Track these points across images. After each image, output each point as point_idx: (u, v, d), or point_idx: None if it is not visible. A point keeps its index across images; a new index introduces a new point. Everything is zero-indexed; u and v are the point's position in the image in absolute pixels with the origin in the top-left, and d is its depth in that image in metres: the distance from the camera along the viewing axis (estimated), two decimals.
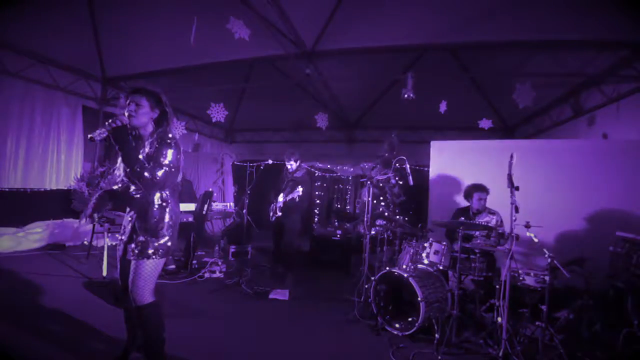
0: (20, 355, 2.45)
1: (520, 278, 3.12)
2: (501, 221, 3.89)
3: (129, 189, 2.20)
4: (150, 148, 2.12)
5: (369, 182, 4.28)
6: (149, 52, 6.09)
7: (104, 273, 4.14)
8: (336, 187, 10.04)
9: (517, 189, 2.83)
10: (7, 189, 5.72)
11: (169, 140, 2.12)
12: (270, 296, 4.10)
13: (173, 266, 4.82)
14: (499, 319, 2.87)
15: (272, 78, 7.25)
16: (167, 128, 2.19)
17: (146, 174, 2.02)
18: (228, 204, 6.93)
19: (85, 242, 5.78)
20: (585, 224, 4.30)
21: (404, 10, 4.87)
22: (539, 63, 5.42)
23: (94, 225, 5.11)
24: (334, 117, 8.08)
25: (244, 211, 4.84)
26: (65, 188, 6.42)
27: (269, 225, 5.29)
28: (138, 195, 2.16)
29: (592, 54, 4.91)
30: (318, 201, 9.86)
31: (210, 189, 5.97)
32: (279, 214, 4.94)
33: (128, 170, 2.05)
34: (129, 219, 2.21)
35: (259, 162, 5.06)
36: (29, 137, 6.01)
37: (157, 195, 2.15)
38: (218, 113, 6.49)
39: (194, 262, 4.89)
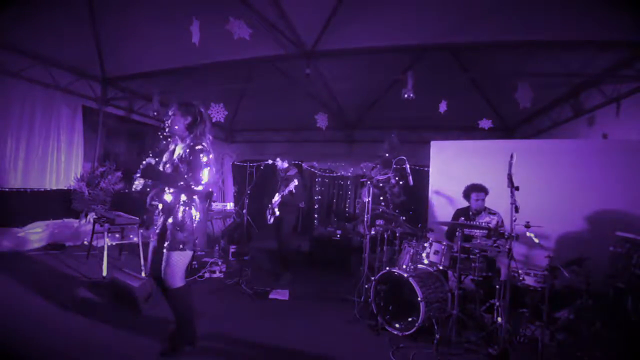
0: (20, 355, 2.45)
1: (520, 278, 3.12)
2: (502, 222, 3.90)
3: (163, 188, 2.50)
4: (183, 152, 2.44)
5: (369, 182, 4.29)
6: (149, 52, 6.08)
7: (104, 273, 4.14)
8: (336, 187, 10.04)
9: (517, 189, 2.84)
10: (7, 189, 5.72)
11: (200, 146, 2.43)
12: (270, 296, 4.10)
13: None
14: (499, 319, 2.87)
15: (272, 78, 7.25)
16: (197, 133, 2.50)
17: (183, 175, 2.38)
18: (228, 204, 6.93)
19: (85, 242, 5.78)
20: (585, 224, 4.30)
21: (404, 10, 4.87)
22: (539, 63, 5.42)
23: (94, 225, 5.11)
24: (334, 117, 8.08)
25: (244, 211, 4.85)
26: (65, 188, 6.42)
27: (268, 227, 5.31)
28: (171, 195, 2.47)
29: (592, 54, 4.90)
30: (318, 199, 9.87)
31: (210, 189, 5.96)
32: (277, 213, 4.96)
33: (164, 170, 2.43)
34: (161, 214, 2.51)
35: (259, 162, 5.07)
36: (29, 137, 6.01)
37: (188, 193, 2.46)
38: (218, 113, 6.48)
39: (194, 262, 4.89)
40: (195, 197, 2.49)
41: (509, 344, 2.71)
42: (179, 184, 2.39)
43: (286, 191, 4.83)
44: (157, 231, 2.50)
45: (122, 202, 6.42)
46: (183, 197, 2.46)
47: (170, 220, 2.44)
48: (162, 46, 5.88)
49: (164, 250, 2.42)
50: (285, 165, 5.20)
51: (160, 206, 2.53)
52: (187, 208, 2.46)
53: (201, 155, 2.40)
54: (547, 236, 3.86)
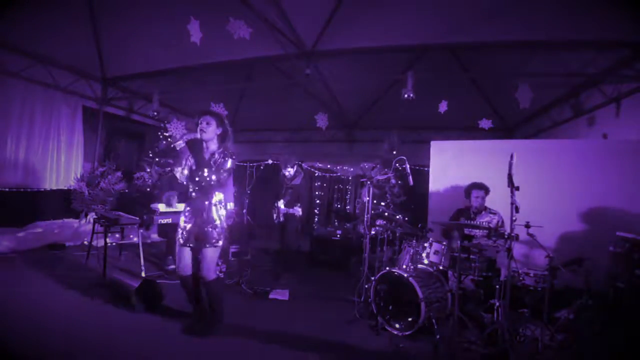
0: (20, 355, 2.45)
1: (520, 278, 3.12)
2: (502, 221, 3.90)
3: (189, 189, 2.85)
4: (217, 157, 2.78)
5: (369, 182, 4.28)
6: (149, 52, 6.08)
7: (104, 273, 4.14)
8: (336, 187, 10.04)
9: (517, 189, 2.83)
10: (7, 189, 5.72)
11: (230, 153, 2.82)
12: (270, 296, 4.10)
13: (173, 266, 4.81)
14: (499, 319, 2.87)
15: (272, 78, 7.25)
16: (228, 143, 2.87)
17: (213, 176, 2.70)
18: (228, 204, 6.92)
19: (85, 242, 5.78)
20: (585, 224, 4.30)
21: (404, 10, 4.87)
22: (539, 63, 5.42)
23: (94, 225, 5.11)
24: (334, 117, 8.08)
25: (244, 211, 4.85)
26: (65, 188, 6.42)
27: (271, 225, 5.33)
28: (202, 195, 2.81)
29: (592, 54, 4.90)
30: (318, 201, 9.86)
31: None
32: (282, 219, 5.01)
33: (198, 173, 2.71)
34: (192, 212, 2.84)
35: (259, 162, 5.08)
36: (29, 137, 6.01)
37: (217, 194, 2.85)
38: None
39: None
40: (225, 197, 2.91)
41: (509, 344, 2.71)
42: (212, 183, 2.72)
43: (289, 211, 4.97)
44: (188, 228, 2.83)
45: (123, 203, 6.42)
46: (215, 198, 2.82)
47: (202, 219, 2.78)
48: (162, 46, 5.89)
49: (198, 247, 2.79)
50: (293, 172, 5.12)
51: (197, 203, 2.85)
52: (218, 207, 2.84)
53: (230, 161, 2.78)
54: (547, 236, 3.84)
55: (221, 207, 2.88)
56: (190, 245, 2.83)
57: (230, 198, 3.01)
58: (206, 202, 2.81)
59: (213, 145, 2.85)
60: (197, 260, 2.86)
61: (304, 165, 9.48)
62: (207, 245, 2.77)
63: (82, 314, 3.17)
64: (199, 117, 2.83)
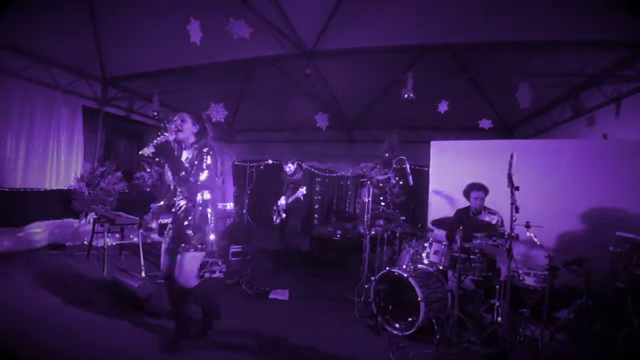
0: (20, 355, 2.45)
1: (520, 278, 3.12)
2: (502, 221, 3.89)
3: (176, 191, 2.68)
4: (192, 155, 2.57)
5: (369, 182, 4.28)
6: (149, 52, 6.08)
7: (104, 273, 4.14)
8: (336, 187, 10.04)
9: (517, 189, 2.83)
10: (7, 189, 5.72)
11: (207, 149, 2.56)
12: (270, 296, 4.10)
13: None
14: (499, 319, 2.87)
15: (272, 78, 7.25)
16: (206, 140, 2.66)
17: (191, 178, 2.49)
18: (228, 204, 6.93)
19: (85, 242, 5.77)
20: (585, 224, 4.29)
21: (404, 10, 4.87)
22: (539, 63, 5.42)
23: (94, 225, 5.11)
24: (334, 117, 8.08)
25: (244, 211, 4.85)
26: (65, 188, 6.42)
27: (271, 226, 5.37)
28: (183, 197, 2.63)
29: (592, 54, 4.90)
30: (318, 199, 9.86)
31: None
32: (283, 215, 5.03)
33: (174, 176, 2.54)
34: (175, 217, 2.64)
35: (259, 162, 5.10)
36: (29, 137, 6.01)
37: (199, 195, 2.61)
38: (218, 113, 6.49)
39: None
40: (209, 199, 2.65)
41: (509, 344, 2.71)
42: (187, 180, 2.51)
43: (293, 198, 4.95)
44: (171, 233, 2.64)
45: (123, 203, 6.42)
46: (198, 199, 2.61)
47: (185, 222, 2.58)
48: (162, 46, 5.88)
49: (179, 252, 2.54)
50: (293, 169, 5.35)
51: (181, 204, 2.67)
52: (201, 209, 2.61)
53: (206, 157, 2.53)
54: (547, 236, 3.85)
55: (207, 208, 2.65)
56: (171, 247, 2.63)
57: (219, 197, 2.80)
58: (189, 204, 2.61)
59: (189, 144, 2.67)
60: (176, 265, 2.59)
61: (304, 165, 9.49)
62: (188, 250, 2.54)
63: (82, 314, 3.17)
64: (173, 115, 2.69)
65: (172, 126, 2.60)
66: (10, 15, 4.88)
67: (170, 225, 2.68)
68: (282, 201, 5.12)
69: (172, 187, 2.73)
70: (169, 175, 2.67)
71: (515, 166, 2.91)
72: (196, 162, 2.52)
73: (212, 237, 2.67)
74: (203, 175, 2.50)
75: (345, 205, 9.87)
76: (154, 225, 4.75)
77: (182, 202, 2.63)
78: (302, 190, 5.03)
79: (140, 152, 2.46)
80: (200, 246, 2.57)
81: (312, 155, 9.55)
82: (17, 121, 5.83)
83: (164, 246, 2.70)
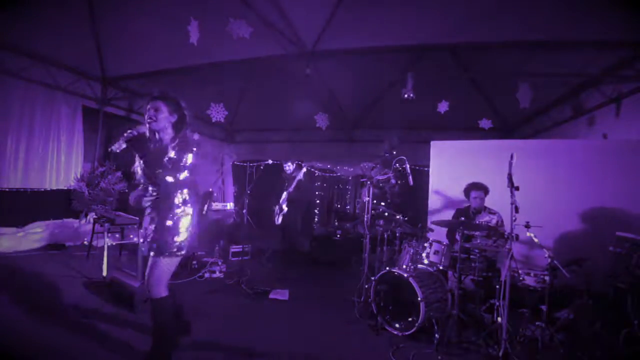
0: (20, 355, 2.45)
1: (520, 278, 3.12)
2: (501, 221, 3.90)
3: (148, 191, 2.34)
4: (173, 152, 2.24)
5: (369, 182, 4.28)
6: (149, 52, 6.08)
7: (104, 273, 4.14)
8: (336, 187, 10.04)
9: (517, 189, 2.84)
10: (7, 189, 5.72)
11: (188, 144, 2.28)
12: (270, 296, 4.10)
13: (174, 268, 4.81)
14: (499, 319, 2.87)
15: (272, 78, 7.25)
16: (186, 132, 2.34)
17: (169, 177, 2.21)
18: (228, 204, 6.93)
19: (85, 242, 5.77)
20: (585, 224, 4.29)
21: (404, 10, 4.87)
22: (539, 63, 5.42)
23: (94, 225, 5.11)
24: (334, 117, 8.08)
25: (244, 211, 4.86)
26: (65, 188, 6.42)
27: (272, 226, 5.42)
28: (157, 197, 2.30)
29: (592, 54, 4.90)
30: (318, 201, 9.87)
31: (210, 189, 5.97)
32: (285, 209, 5.09)
33: (149, 173, 2.25)
34: (150, 219, 2.33)
35: (259, 162, 5.13)
36: (29, 137, 6.00)
37: (178, 195, 2.30)
38: (218, 113, 6.48)
39: (194, 262, 4.88)
40: (188, 199, 2.34)
41: (509, 344, 2.71)
42: (163, 179, 2.23)
43: (293, 185, 5.13)
44: (148, 237, 2.31)
45: (123, 203, 6.42)
46: (176, 199, 2.29)
47: (161, 223, 2.26)
48: (162, 46, 5.88)
49: (151, 256, 2.26)
50: (293, 168, 5.56)
51: (155, 205, 2.35)
52: (178, 210, 2.30)
53: (186, 154, 2.26)
54: (547, 236, 3.85)
55: (185, 209, 2.33)
56: (145, 252, 2.34)
57: (193, 199, 2.40)
58: (164, 205, 2.28)
59: (167, 137, 2.32)
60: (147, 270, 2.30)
61: (304, 165, 9.50)
62: (161, 255, 2.24)
63: (82, 314, 3.17)
64: (147, 103, 2.32)
65: (146, 116, 2.27)
66: (10, 15, 4.88)
67: (145, 229, 2.34)
68: (284, 196, 5.23)
69: (142, 182, 2.36)
70: (139, 172, 2.33)
71: (515, 166, 2.91)
72: (176, 160, 2.22)
73: (187, 241, 2.32)
74: (182, 174, 2.24)
75: (345, 205, 9.88)
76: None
77: (157, 204, 2.31)
78: (300, 174, 5.25)
79: (109, 149, 2.16)
80: (176, 250, 2.27)
81: (312, 155, 9.55)
82: (17, 121, 5.83)
83: (140, 252, 2.47)
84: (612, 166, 4.30)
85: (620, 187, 4.22)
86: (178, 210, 2.29)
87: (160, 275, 2.27)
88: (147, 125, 2.25)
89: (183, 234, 2.29)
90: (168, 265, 2.28)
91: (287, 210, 5.32)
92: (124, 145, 2.15)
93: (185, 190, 2.33)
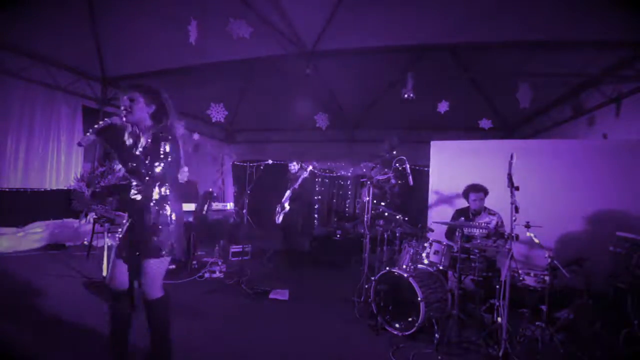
0: (20, 355, 2.45)
1: (520, 278, 3.12)
2: (501, 222, 3.90)
3: (130, 186, 2.16)
4: (146, 143, 2.07)
5: (369, 182, 4.28)
6: (149, 52, 6.08)
7: (104, 273, 4.14)
8: (336, 187, 10.04)
9: (517, 189, 2.83)
10: (7, 189, 5.72)
11: (165, 134, 2.08)
12: (270, 296, 4.10)
13: (173, 266, 4.81)
14: (499, 319, 2.87)
15: (272, 78, 7.25)
16: (166, 123, 2.16)
17: (142, 170, 2.02)
18: (228, 204, 6.93)
19: (85, 242, 5.78)
20: (585, 224, 4.29)
21: (404, 10, 4.87)
22: (539, 63, 5.42)
23: (94, 225, 5.11)
24: (334, 117, 8.08)
25: (244, 211, 4.86)
26: (65, 188, 6.42)
27: (272, 226, 5.44)
28: (138, 193, 2.12)
29: (592, 54, 4.90)
30: (318, 199, 9.87)
31: (210, 189, 5.98)
32: (287, 207, 5.11)
33: (125, 168, 2.05)
34: (128, 217, 2.17)
35: (259, 162, 5.12)
36: (29, 137, 6.01)
37: (156, 191, 2.11)
38: (218, 113, 6.49)
39: (194, 262, 4.89)
40: (168, 195, 2.15)
41: (509, 344, 2.71)
42: (139, 173, 2.05)
43: (298, 182, 5.21)
44: (122, 236, 2.15)
45: (123, 202, 6.41)
46: (155, 195, 2.10)
47: (143, 222, 2.09)
48: (162, 46, 5.88)
49: (139, 259, 2.10)
50: (297, 168, 5.66)
51: (136, 201, 2.15)
52: (159, 208, 2.11)
53: (163, 144, 2.06)
54: (547, 236, 3.85)
55: (166, 205, 2.14)
56: (125, 256, 2.15)
57: (174, 195, 2.19)
58: (145, 202, 2.09)
59: (144, 129, 2.13)
60: (134, 273, 2.16)
61: (309, 165, 9.51)
62: (148, 257, 2.09)
63: (82, 314, 3.17)
64: (122, 94, 2.14)
65: (121, 107, 2.09)
66: (10, 15, 4.88)
67: (124, 227, 2.17)
68: (286, 196, 5.29)
69: (124, 176, 2.18)
70: (118, 167, 2.13)
71: (515, 166, 2.91)
72: (151, 151, 2.04)
73: (172, 239, 2.15)
74: (159, 167, 2.04)
75: (345, 205, 9.87)
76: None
77: (137, 199, 2.11)
78: (305, 172, 5.31)
79: (77, 143, 1.99)
80: (161, 251, 2.11)
81: (312, 155, 9.54)
82: (17, 121, 5.83)
83: (114, 252, 2.20)
84: (612, 166, 4.30)
85: (620, 187, 4.22)
86: (157, 207, 2.10)
87: (153, 277, 2.15)
88: (123, 117, 2.07)
89: (164, 233, 2.11)
90: (157, 267, 2.14)
91: (289, 209, 5.34)
92: (93, 138, 1.96)
93: (166, 185, 2.14)
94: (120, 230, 2.19)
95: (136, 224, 2.11)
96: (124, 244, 2.15)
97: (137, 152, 2.06)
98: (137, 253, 2.09)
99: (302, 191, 5.39)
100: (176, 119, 2.24)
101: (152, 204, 2.10)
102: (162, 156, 2.05)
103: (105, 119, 2.00)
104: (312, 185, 5.99)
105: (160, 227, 2.11)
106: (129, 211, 2.17)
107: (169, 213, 2.15)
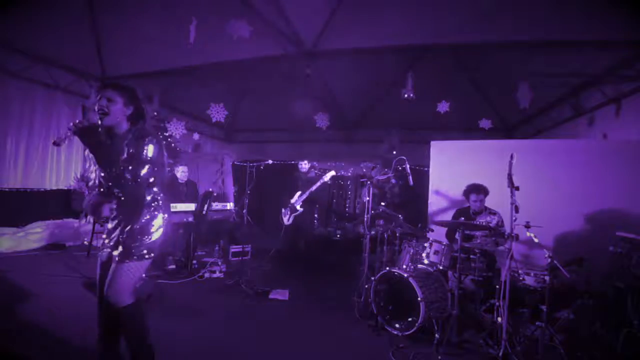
0: (20, 355, 2.45)
1: (520, 278, 3.12)
2: (502, 221, 3.89)
3: (109, 191, 2.05)
4: (130, 147, 1.97)
5: (369, 182, 4.28)
6: (149, 52, 6.08)
7: None
8: (336, 187, 10.04)
9: (517, 189, 2.83)
10: (7, 189, 5.72)
11: (147, 136, 1.99)
12: (270, 296, 4.09)
13: (173, 266, 4.81)
14: (499, 319, 2.87)
15: (272, 78, 7.25)
16: (143, 125, 2.08)
17: (127, 175, 1.95)
18: (228, 204, 6.93)
19: (85, 242, 5.77)
20: (585, 224, 4.29)
21: (404, 10, 4.87)
22: (539, 63, 5.42)
23: (94, 225, 5.11)
24: (334, 117, 8.08)
25: (244, 211, 4.86)
26: (65, 188, 6.42)
27: (272, 227, 5.39)
28: (121, 197, 2.03)
29: (592, 54, 4.91)
30: (318, 199, 9.87)
31: (210, 189, 5.97)
32: (300, 210, 5.18)
33: (105, 173, 1.98)
34: (113, 222, 2.10)
35: (259, 162, 5.11)
36: (29, 137, 6.01)
37: (142, 194, 2.03)
38: (218, 113, 6.49)
39: (194, 262, 4.89)
40: (156, 197, 2.10)
41: (509, 344, 2.71)
42: (122, 177, 1.99)
43: (317, 186, 5.15)
44: (111, 242, 2.08)
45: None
46: (141, 199, 2.04)
47: (126, 226, 2.03)
48: (162, 46, 5.88)
49: (114, 261, 2.00)
50: (308, 167, 5.65)
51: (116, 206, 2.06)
52: (146, 210, 2.05)
53: (146, 146, 1.97)
54: (547, 236, 3.85)
55: (151, 209, 2.07)
56: (105, 256, 2.11)
57: (163, 196, 2.14)
58: (128, 208, 2.04)
59: (122, 132, 2.03)
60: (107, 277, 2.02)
61: (315, 164, 9.53)
62: (125, 260, 1.98)
63: (82, 315, 3.17)
64: (97, 92, 2.01)
65: (96, 108, 1.95)
66: (10, 15, 4.88)
67: (109, 232, 2.12)
68: (296, 197, 5.26)
69: (97, 183, 2.11)
70: (94, 170, 2.08)
71: (515, 166, 2.91)
72: (134, 155, 1.95)
73: (156, 243, 2.08)
74: (143, 170, 1.95)
75: (345, 205, 9.87)
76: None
77: (117, 204, 2.03)
78: (331, 173, 5.16)
79: (53, 142, 1.88)
80: (145, 254, 2.03)
81: (312, 156, 9.53)
82: (17, 121, 5.83)
83: (100, 257, 2.13)
84: (612, 166, 4.30)
85: (620, 187, 4.21)
86: (144, 211, 2.04)
87: (126, 281, 1.99)
88: (99, 119, 1.94)
89: (155, 235, 2.06)
90: (135, 269, 2.01)
91: (302, 211, 5.31)
92: (70, 136, 1.88)
93: (154, 189, 2.08)
94: (107, 235, 2.13)
95: (122, 229, 2.04)
96: (105, 246, 2.10)
97: (122, 158, 1.96)
98: (118, 256, 1.99)
99: (318, 195, 5.38)
100: (174, 123, 2.15)
101: (139, 207, 2.03)
102: (145, 159, 1.96)
103: (85, 118, 1.92)
104: (330, 189, 5.94)
105: (149, 229, 2.05)
106: (116, 216, 2.08)
107: (153, 216, 2.08)
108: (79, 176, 6.41)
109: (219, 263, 4.85)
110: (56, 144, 1.88)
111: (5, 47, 5.46)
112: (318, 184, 5.21)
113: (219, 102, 6.42)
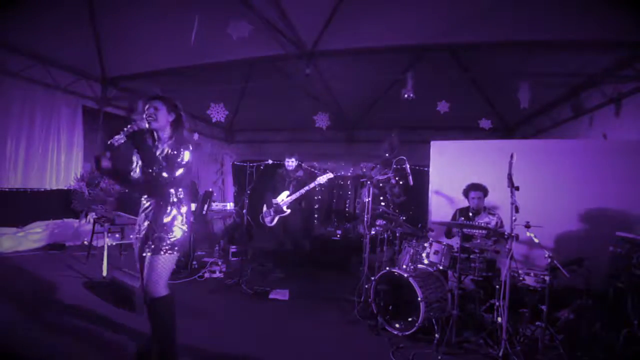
0: (20, 354, 2.45)
1: (520, 278, 3.12)
2: (501, 222, 3.90)
3: (146, 187, 2.35)
4: (169, 149, 2.29)
5: (369, 182, 4.29)
6: (149, 52, 6.08)
7: (104, 273, 4.14)
8: (336, 187, 10.03)
9: (517, 189, 2.84)
10: (7, 189, 5.72)
11: (185, 143, 2.32)
12: (270, 296, 4.10)
13: (173, 266, 4.81)
14: (499, 319, 2.87)
15: (272, 78, 7.25)
16: (183, 131, 2.39)
17: (165, 173, 2.25)
18: (228, 204, 6.93)
19: (85, 242, 5.77)
20: (585, 224, 4.29)
21: (404, 10, 4.87)
22: (539, 63, 5.42)
23: (94, 225, 5.11)
24: (334, 117, 8.08)
25: (244, 211, 4.86)
26: (65, 188, 6.41)
27: (272, 227, 5.34)
28: (153, 194, 2.33)
29: (592, 54, 4.90)
30: (318, 199, 9.86)
31: (210, 189, 5.98)
32: (288, 211, 5.01)
33: (148, 170, 2.27)
34: (144, 216, 2.35)
35: (259, 162, 5.11)
36: (29, 137, 6.00)
37: (173, 193, 2.32)
38: (218, 113, 6.49)
39: (194, 262, 4.89)
40: (182, 197, 2.36)
41: (509, 344, 2.71)
42: (160, 176, 2.26)
43: (310, 186, 4.90)
44: (141, 235, 2.33)
45: (123, 202, 6.41)
46: (173, 198, 2.31)
47: (156, 221, 2.27)
48: (162, 46, 5.89)
49: (148, 255, 2.24)
50: (295, 165, 5.32)
51: (148, 203, 2.37)
52: (175, 208, 2.32)
53: (183, 152, 2.30)
54: (547, 236, 3.86)
55: (182, 207, 2.35)
56: (140, 252, 2.33)
57: (188, 197, 2.41)
58: (160, 203, 2.30)
59: (165, 135, 2.35)
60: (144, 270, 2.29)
61: (304, 165, 9.49)
62: (159, 253, 2.23)
63: (82, 314, 3.17)
64: (144, 102, 2.35)
65: (145, 115, 2.27)
66: (11, 15, 4.88)
67: (139, 226, 2.37)
68: (284, 197, 5.08)
69: (140, 179, 2.35)
70: (138, 168, 2.33)
71: (515, 166, 2.91)
72: (172, 157, 2.27)
73: (183, 238, 2.33)
74: (179, 172, 2.28)
75: (345, 205, 9.87)
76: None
77: (151, 200, 2.35)
78: (329, 176, 4.83)
79: (109, 142, 2.13)
80: (171, 249, 2.26)
81: (312, 156, 9.55)
82: (17, 121, 5.83)
83: (136, 251, 2.38)
84: (612, 166, 4.30)
85: (620, 187, 4.22)
86: (173, 208, 2.31)
87: (159, 274, 2.24)
88: (147, 123, 2.25)
89: (177, 232, 2.30)
90: (165, 263, 2.26)
91: (289, 213, 5.15)
92: (123, 139, 2.15)
93: (180, 189, 2.35)
94: (138, 228, 2.36)
95: (152, 223, 2.28)
96: (140, 242, 2.32)
97: (160, 157, 2.27)
98: (150, 250, 2.23)
99: (317, 195, 5.25)
100: (188, 129, 2.45)
101: (167, 205, 2.30)
102: (180, 161, 2.28)
103: (133, 124, 2.21)
104: (330, 190, 5.63)
105: (172, 226, 2.29)
106: (146, 212, 2.35)
107: (181, 213, 2.34)
108: (79, 176, 6.40)
109: (219, 263, 4.85)
110: (111, 144, 2.14)
111: (5, 47, 5.45)
112: (312, 185, 4.90)
113: (219, 102, 6.41)
